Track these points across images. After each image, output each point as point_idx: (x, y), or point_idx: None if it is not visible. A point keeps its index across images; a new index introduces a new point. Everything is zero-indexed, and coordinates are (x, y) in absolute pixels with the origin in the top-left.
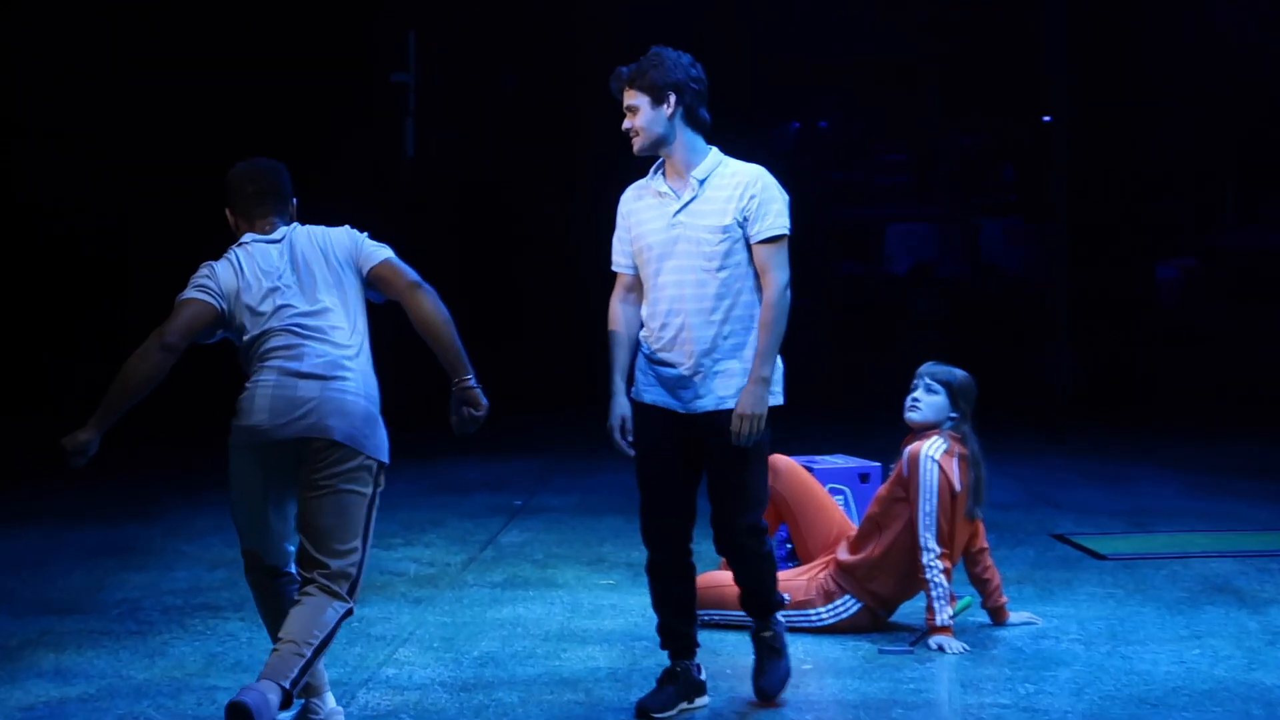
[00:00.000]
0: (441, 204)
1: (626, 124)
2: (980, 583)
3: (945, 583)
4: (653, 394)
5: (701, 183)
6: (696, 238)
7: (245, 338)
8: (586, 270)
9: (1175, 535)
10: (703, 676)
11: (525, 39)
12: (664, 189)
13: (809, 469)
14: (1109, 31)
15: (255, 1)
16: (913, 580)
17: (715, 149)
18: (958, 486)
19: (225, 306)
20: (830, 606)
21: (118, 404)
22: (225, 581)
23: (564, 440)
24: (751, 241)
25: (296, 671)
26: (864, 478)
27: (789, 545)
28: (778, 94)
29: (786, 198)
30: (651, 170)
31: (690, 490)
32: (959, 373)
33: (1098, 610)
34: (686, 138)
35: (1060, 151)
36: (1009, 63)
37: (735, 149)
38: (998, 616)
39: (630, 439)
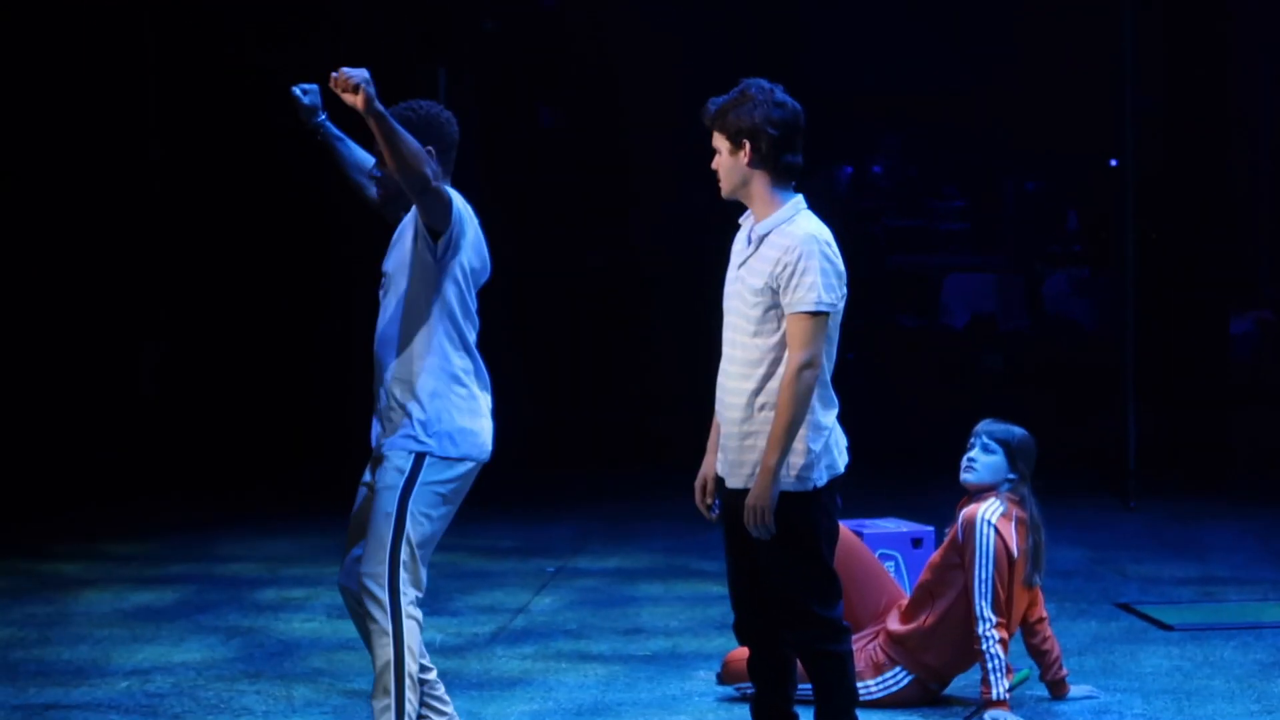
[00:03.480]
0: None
1: (714, 164)
2: (1039, 654)
3: (1002, 654)
4: (717, 458)
5: (763, 238)
6: (743, 295)
7: (459, 306)
8: (642, 314)
9: (1247, 604)
10: None
11: (561, 75)
12: (743, 237)
13: (858, 534)
14: (1182, 64)
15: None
16: (967, 651)
17: (798, 199)
18: (1016, 552)
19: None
20: (880, 679)
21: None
22: (240, 653)
23: (604, 500)
24: (785, 313)
25: None
26: (917, 543)
27: None
28: (828, 135)
29: (832, 269)
30: (746, 212)
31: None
32: (1018, 431)
33: (1163, 684)
34: (762, 187)
35: (1128, 198)
36: (1074, 102)
37: None
38: (1057, 690)
39: (709, 502)
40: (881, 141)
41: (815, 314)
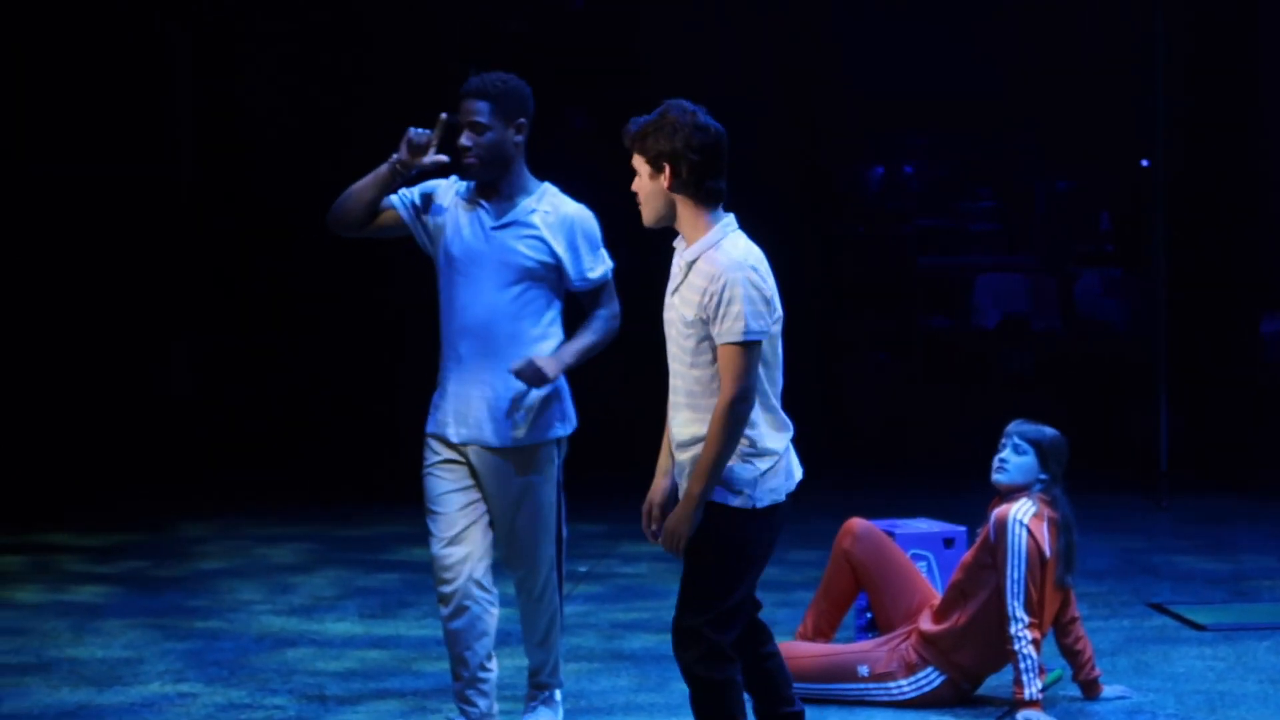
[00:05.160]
0: None
1: (634, 186)
2: (1071, 654)
3: (1034, 654)
4: (671, 483)
5: (691, 265)
6: (677, 326)
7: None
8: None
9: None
10: None
11: (590, 77)
12: (675, 264)
13: (890, 534)
14: (1211, 65)
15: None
16: (1000, 651)
17: (727, 219)
18: (1048, 552)
19: None
20: (912, 679)
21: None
22: (271, 651)
23: (636, 500)
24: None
25: None
26: (949, 543)
27: (869, 615)
28: (859, 136)
29: (759, 295)
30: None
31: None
32: (1049, 431)
33: (1196, 684)
34: (687, 211)
35: (1159, 198)
36: (1105, 103)
37: (808, 197)
38: (1090, 690)
39: (654, 528)
40: (912, 142)
41: (745, 344)
